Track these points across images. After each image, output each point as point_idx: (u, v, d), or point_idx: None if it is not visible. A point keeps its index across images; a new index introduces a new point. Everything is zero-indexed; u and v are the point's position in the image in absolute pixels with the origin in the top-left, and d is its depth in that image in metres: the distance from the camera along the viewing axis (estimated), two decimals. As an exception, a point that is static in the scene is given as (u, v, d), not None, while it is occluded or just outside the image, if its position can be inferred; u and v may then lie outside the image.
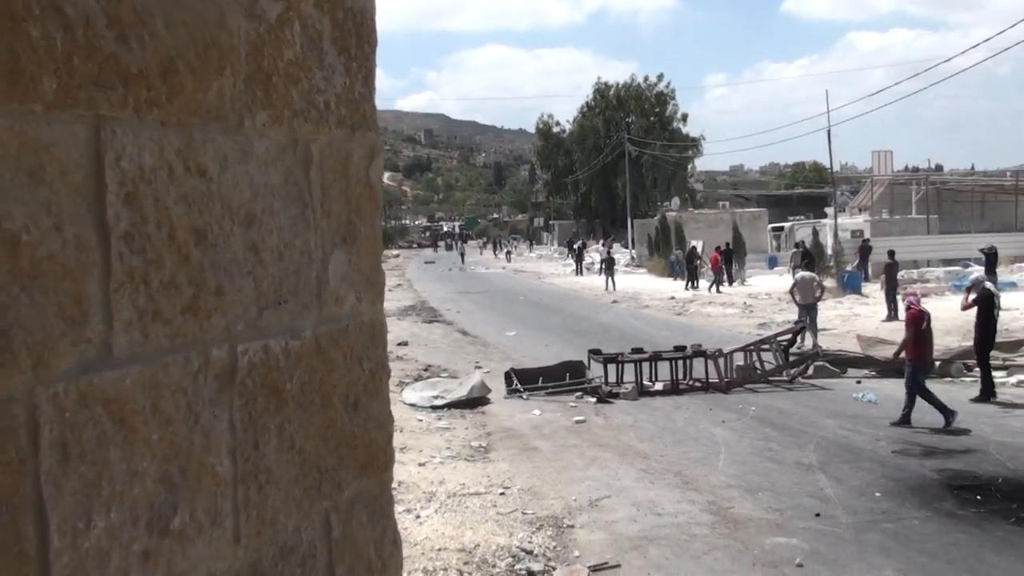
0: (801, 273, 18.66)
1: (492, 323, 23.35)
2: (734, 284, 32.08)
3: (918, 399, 10.83)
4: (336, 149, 1.48)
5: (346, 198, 1.50)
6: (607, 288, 33.23)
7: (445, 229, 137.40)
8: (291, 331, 1.37)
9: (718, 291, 30.64)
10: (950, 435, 10.39)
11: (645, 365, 14.33)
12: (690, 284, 31.88)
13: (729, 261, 33.07)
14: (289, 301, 1.38)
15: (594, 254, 49.04)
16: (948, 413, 10.72)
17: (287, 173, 1.38)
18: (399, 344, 18.56)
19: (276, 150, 1.36)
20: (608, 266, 35.50)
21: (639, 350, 15.12)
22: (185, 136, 1.19)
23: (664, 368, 14.29)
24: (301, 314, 1.40)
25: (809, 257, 22.83)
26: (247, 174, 1.31)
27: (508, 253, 61.36)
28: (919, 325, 10.90)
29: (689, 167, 74.29)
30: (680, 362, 14.34)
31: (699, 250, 36.10)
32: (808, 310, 17.24)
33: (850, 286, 27.49)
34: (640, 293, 31.56)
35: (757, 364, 14.27)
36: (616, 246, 58.30)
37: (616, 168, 65.52)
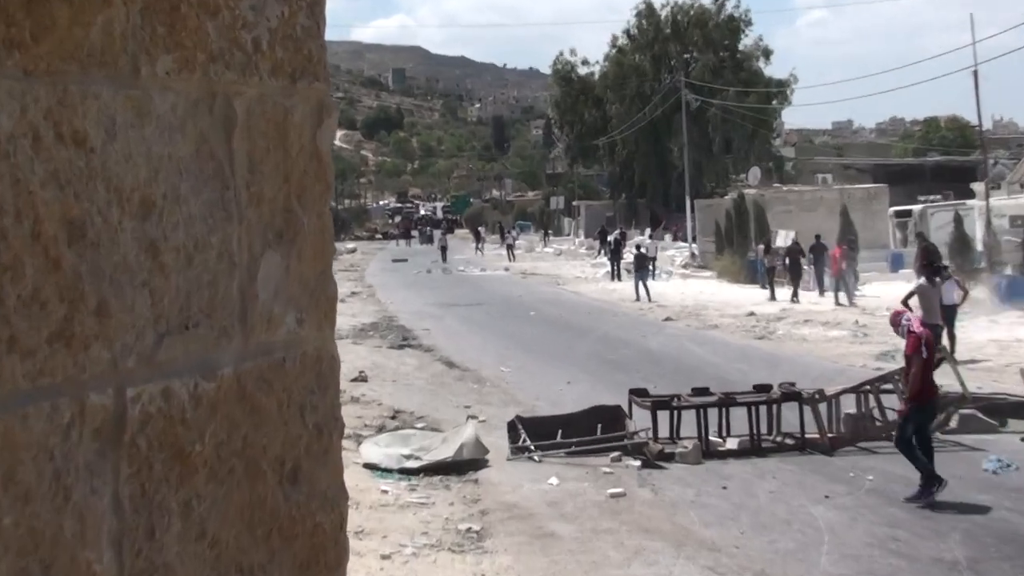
0: (920, 281, 18.70)
1: (490, 350, 23.40)
2: (830, 294, 32.00)
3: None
4: (270, 107, 1.50)
5: (284, 176, 1.52)
6: (638, 298, 33.70)
7: (422, 212, 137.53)
8: (203, 367, 1.39)
9: (794, 299, 30.94)
10: None
11: (712, 413, 14.39)
12: (795, 295, 31.92)
13: (820, 260, 33.22)
14: (201, 324, 1.40)
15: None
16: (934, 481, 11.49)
17: (200, 141, 1.40)
18: (355, 380, 18.69)
19: (185, 109, 1.38)
20: (639, 266, 35.81)
21: (703, 391, 15.16)
22: (57, 90, 1.21)
23: (739, 417, 14.34)
24: (218, 343, 1.42)
25: (932, 256, 21.70)
26: (143, 143, 1.33)
27: (509, 247, 61.38)
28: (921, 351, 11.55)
29: (774, 124, 74.48)
30: (763, 409, 14.40)
31: (789, 242, 36.12)
32: (936, 330, 17.20)
33: (1012, 298, 27.55)
34: (705, 307, 31.63)
35: (876, 413, 14.45)
36: (666, 238, 58.54)
37: (670, 125, 65.76)
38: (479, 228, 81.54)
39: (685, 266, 47.53)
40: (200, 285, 1.40)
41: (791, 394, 14.51)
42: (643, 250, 38.77)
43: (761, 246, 36.92)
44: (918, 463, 11.52)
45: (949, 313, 19.84)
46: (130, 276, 1.30)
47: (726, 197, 50.92)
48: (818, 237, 34.55)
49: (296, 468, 1.52)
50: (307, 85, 1.56)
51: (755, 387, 15.18)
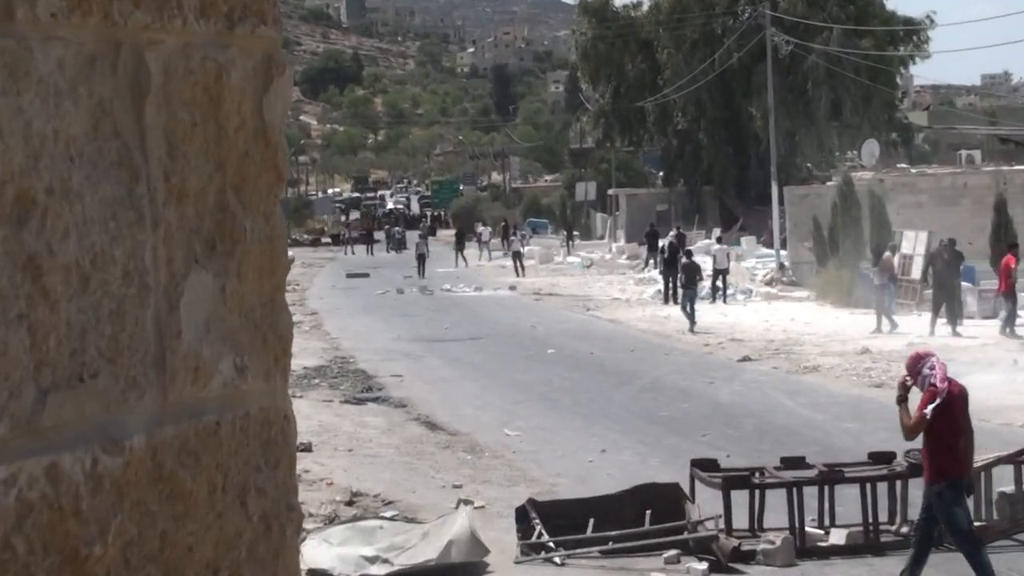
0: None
1: (490, 404, 23.45)
2: (970, 321, 31.99)
3: None
4: (197, 63, 1.52)
5: (217, 163, 1.54)
6: (692, 328, 34.61)
7: (390, 206, 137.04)
8: (104, 435, 1.39)
9: (954, 331, 30.91)
10: None
11: (810, 493, 14.37)
12: (935, 323, 31.86)
13: (951, 274, 32.93)
14: (101, 374, 1.41)
15: (705, 259, 49.49)
16: None
17: (98, 113, 1.42)
18: (296, 449, 18.61)
19: (78, 67, 1.40)
20: (688, 279, 36.41)
21: (796, 461, 15.14)
22: None
23: (850, 499, 14.30)
24: (125, 400, 1.42)
25: None
26: (18, 117, 1.34)
27: (516, 256, 61.20)
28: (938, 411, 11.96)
29: (900, 79, 74.30)
30: (883, 487, 14.38)
31: (921, 246, 36.17)
32: None
33: None
34: (799, 341, 31.57)
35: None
36: (743, 242, 58.30)
37: (749, 81, 65.70)
38: (480, 229, 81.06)
39: (771, 282, 47.40)
40: (99, 318, 1.41)
41: (921, 465, 14.33)
42: (693, 257, 38.99)
43: (886, 250, 36.73)
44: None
45: None
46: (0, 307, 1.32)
47: (830, 184, 50.61)
48: (952, 242, 34.35)
49: (235, 579, 1.53)
50: (249, 32, 1.59)
51: (871, 456, 15.19)
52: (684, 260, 38.46)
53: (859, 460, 15.09)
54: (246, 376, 1.56)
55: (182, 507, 1.48)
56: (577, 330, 36.14)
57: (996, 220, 38.77)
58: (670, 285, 43.71)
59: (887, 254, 34.70)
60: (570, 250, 74.68)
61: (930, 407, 11.99)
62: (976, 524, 13.84)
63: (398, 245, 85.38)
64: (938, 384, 12.08)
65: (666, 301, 42.94)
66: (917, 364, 12.37)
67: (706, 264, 43.55)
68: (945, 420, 12.04)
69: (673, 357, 29.91)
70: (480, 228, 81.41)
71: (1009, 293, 31.24)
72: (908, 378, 12.30)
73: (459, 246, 70.78)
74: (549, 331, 35.58)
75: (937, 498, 12.10)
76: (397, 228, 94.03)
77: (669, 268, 44.31)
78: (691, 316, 34.83)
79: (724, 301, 42.52)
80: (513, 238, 67.25)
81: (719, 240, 53.41)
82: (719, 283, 43.39)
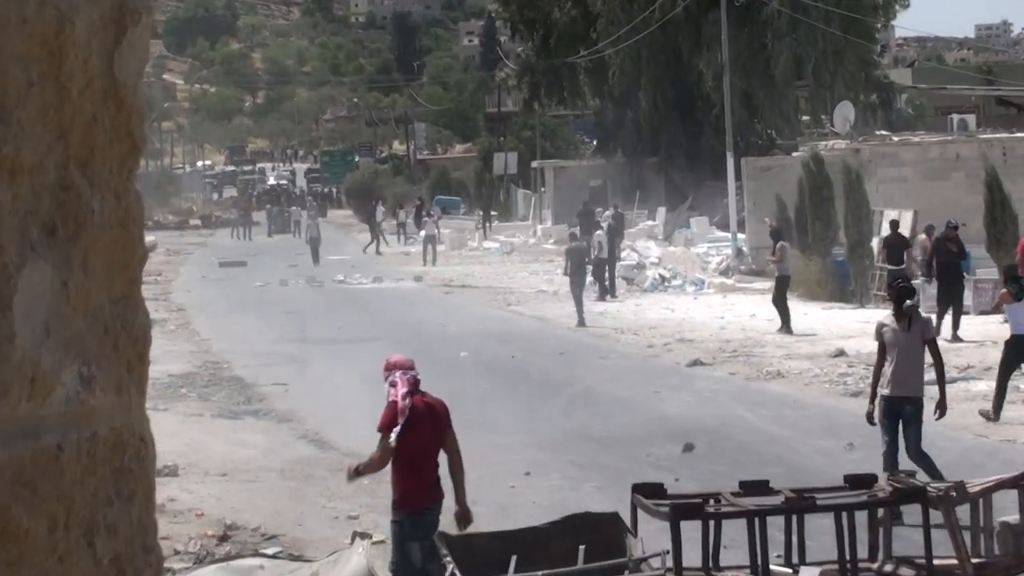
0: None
1: None
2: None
3: None
4: (33, 11, 1.51)
5: (58, 130, 1.53)
6: (580, 320, 36.15)
7: (272, 181, 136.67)
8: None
9: (954, 335, 31.21)
10: None
11: (774, 523, 14.18)
12: (940, 325, 32.18)
13: (952, 270, 33.15)
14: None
15: (649, 247, 49.47)
16: None
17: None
18: (160, 473, 18.55)
19: None
20: (576, 264, 37.47)
21: (758, 486, 14.91)
22: None
23: (822, 531, 14.28)
24: (-55, 419, 1.40)
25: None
26: None
27: (429, 240, 61.21)
28: None
29: (877, 31, 74.79)
30: (861, 516, 14.22)
31: (920, 232, 36.58)
32: None
33: None
34: (760, 342, 31.81)
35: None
36: (692, 224, 58.44)
37: (698, 32, 65.86)
38: (419, 205, 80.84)
39: (726, 272, 47.70)
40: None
41: (909, 490, 14.45)
42: (600, 234, 40.32)
43: (880, 234, 36.97)
44: None
45: None
46: None
47: (796, 155, 50.63)
48: (954, 227, 34.47)
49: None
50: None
51: (847, 479, 14.96)
52: (571, 242, 39.17)
53: (834, 484, 14.90)
54: (94, 389, 1.55)
55: (16, 550, 1.47)
56: (495, 329, 36.28)
57: (989, 198, 38.85)
58: (606, 276, 43.97)
59: (922, 236, 34.49)
60: (487, 233, 75.29)
61: (393, 434, 12.52)
62: (975, 561, 13.91)
63: (283, 227, 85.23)
64: (399, 401, 12.53)
65: (601, 297, 43.06)
66: (384, 374, 13.02)
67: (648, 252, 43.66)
68: (414, 441, 12.58)
69: (611, 361, 30.04)
70: (375, 206, 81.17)
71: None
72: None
73: (416, 215, 73.30)
74: (462, 330, 35.78)
75: (395, 526, 12.91)
76: (280, 207, 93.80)
77: (601, 262, 44.06)
78: (579, 310, 35.77)
79: (612, 295, 43.18)
80: (427, 219, 66.63)
81: (616, 212, 53.80)
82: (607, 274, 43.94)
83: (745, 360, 29.40)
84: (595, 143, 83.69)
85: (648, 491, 14.64)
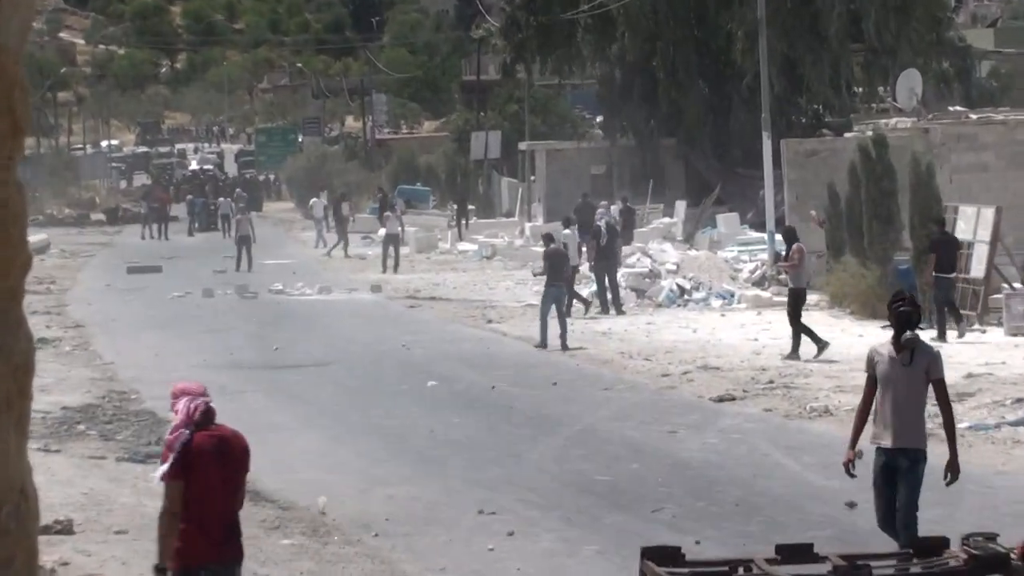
0: None
1: (341, 464, 23.51)
2: None
3: None
4: None
5: None
6: (541, 343, 35.75)
7: (194, 166, 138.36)
8: None
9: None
10: None
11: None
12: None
13: None
14: None
15: (666, 250, 48.89)
16: None
17: None
18: (46, 531, 17.36)
19: None
20: (553, 271, 36.85)
21: (800, 550, 14.18)
22: None
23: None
24: None
25: None
26: None
27: (392, 240, 60.44)
28: None
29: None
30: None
31: (983, 230, 36.77)
32: None
33: None
34: (805, 371, 30.87)
35: None
36: (719, 222, 57.10)
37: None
38: (313, 202, 79.18)
39: (761, 282, 47.05)
40: None
41: (989, 558, 13.78)
42: (568, 233, 40.94)
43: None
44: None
45: None
46: None
47: (849, 135, 49.89)
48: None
49: None
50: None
51: (912, 543, 14.80)
52: (550, 245, 38.34)
53: (894, 551, 14.70)
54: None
55: None
56: (472, 353, 36.21)
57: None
58: (607, 285, 43.90)
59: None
60: (462, 233, 74.54)
61: (158, 472, 12.04)
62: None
63: (209, 223, 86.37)
64: (176, 432, 11.88)
65: (605, 310, 43.03)
66: (172, 402, 12.23)
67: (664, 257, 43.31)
68: (194, 485, 11.78)
69: (616, 394, 29.44)
70: (314, 201, 79.57)
71: None
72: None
73: (328, 224, 73.03)
74: (430, 354, 35.79)
75: None
76: (205, 199, 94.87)
77: (607, 261, 44.25)
78: (543, 327, 35.53)
79: (617, 310, 43.04)
80: (389, 215, 64.77)
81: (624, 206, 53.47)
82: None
83: (784, 393, 28.59)
84: (598, 120, 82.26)
85: (662, 557, 13.88)
